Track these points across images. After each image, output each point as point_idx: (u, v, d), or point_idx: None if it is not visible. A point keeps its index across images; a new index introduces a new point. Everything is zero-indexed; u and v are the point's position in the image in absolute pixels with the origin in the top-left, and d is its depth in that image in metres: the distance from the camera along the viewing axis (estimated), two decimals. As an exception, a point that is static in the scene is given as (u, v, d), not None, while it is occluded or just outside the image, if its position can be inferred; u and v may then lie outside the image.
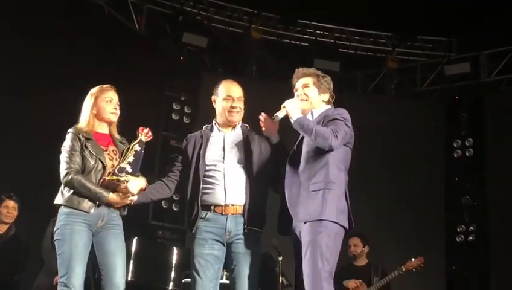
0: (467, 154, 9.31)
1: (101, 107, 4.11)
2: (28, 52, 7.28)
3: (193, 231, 4.02)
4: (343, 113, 3.96)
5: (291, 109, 3.95)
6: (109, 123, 4.16)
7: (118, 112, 4.16)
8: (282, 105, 4.00)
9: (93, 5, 8.54)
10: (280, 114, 3.99)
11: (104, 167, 3.98)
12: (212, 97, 4.27)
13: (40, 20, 7.34)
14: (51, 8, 7.43)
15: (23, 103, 7.14)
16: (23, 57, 7.23)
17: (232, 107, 4.17)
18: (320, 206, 3.73)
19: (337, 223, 3.72)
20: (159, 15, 9.54)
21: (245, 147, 4.13)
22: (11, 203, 6.28)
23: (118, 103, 4.17)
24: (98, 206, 3.93)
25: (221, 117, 4.22)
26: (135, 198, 4.00)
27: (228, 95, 4.20)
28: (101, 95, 4.12)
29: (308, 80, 4.13)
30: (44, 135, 7.08)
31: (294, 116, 3.91)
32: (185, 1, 9.55)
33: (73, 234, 3.84)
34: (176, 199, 8.38)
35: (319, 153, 3.84)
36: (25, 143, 7.16)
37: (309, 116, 4.03)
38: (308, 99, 4.08)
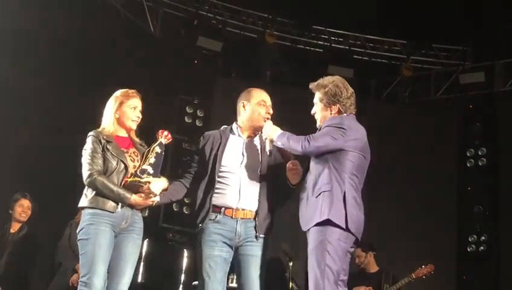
0: (480, 164, 9.27)
1: (124, 113, 4.14)
2: (42, 52, 7.32)
3: (199, 227, 4.03)
4: (334, 119, 3.95)
5: (268, 134, 4.03)
6: (128, 130, 4.18)
7: (139, 120, 4.18)
8: (264, 137, 4.09)
9: (109, 7, 8.58)
10: (268, 147, 4.07)
11: (126, 167, 4.01)
12: (242, 102, 4.24)
13: (55, 21, 7.36)
14: (66, 9, 7.45)
15: (39, 105, 7.17)
16: (38, 59, 7.27)
17: (268, 114, 4.20)
18: (315, 211, 3.76)
19: (337, 226, 3.70)
20: (174, 19, 9.56)
21: (262, 155, 4.16)
22: (26, 203, 6.32)
23: (141, 110, 4.19)
24: (122, 207, 3.95)
25: (252, 122, 4.20)
26: (157, 199, 4.03)
27: (263, 100, 4.23)
28: (126, 101, 4.15)
29: (316, 96, 4.13)
30: (60, 135, 7.12)
31: (274, 139, 3.99)
32: (200, 5, 9.58)
33: (97, 234, 3.86)
34: (187, 201, 8.40)
35: (320, 162, 3.88)
36: (41, 144, 7.18)
37: None
38: (316, 118, 4.12)
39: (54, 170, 7.08)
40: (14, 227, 6.31)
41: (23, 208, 6.29)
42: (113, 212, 3.91)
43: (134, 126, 4.18)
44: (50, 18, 7.26)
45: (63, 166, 6.55)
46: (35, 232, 6.40)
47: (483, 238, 8.90)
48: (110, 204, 3.92)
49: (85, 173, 3.96)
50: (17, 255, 6.20)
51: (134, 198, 3.95)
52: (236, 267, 4.06)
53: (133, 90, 4.23)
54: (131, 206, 3.99)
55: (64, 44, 7.50)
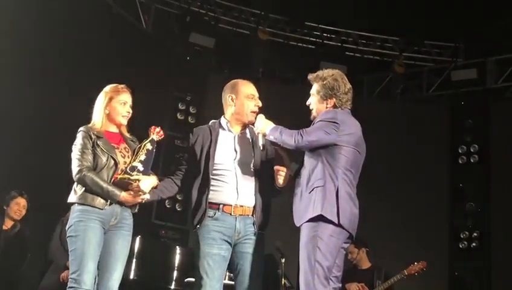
0: (472, 161, 9.30)
1: (114, 108, 4.10)
2: (33, 48, 7.28)
3: (198, 227, 3.99)
4: (328, 113, 3.93)
5: (261, 128, 4.01)
6: (119, 125, 4.16)
7: (130, 115, 4.15)
8: (256, 132, 4.06)
9: (101, 3, 8.53)
10: (261, 141, 4.05)
11: (116, 164, 3.98)
12: (230, 95, 4.18)
13: (46, 16, 7.32)
14: (56, 5, 7.41)
15: (31, 102, 7.14)
16: (29, 55, 7.23)
17: (256, 106, 4.15)
18: (308, 206, 3.76)
19: (329, 221, 3.69)
20: (166, 15, 9.54)
21: (254, 149, 4.13)
22: (23, 201, 6.31)
23: (131, 105, 4.16)
24: (111, 203, 3.93)
25: (241, 116, 4.15)
26: (147, 196, 4.01)
27: (252, 94, 4.18)
28: (115, 96, 4.11)
29: (313, 88, 4.10)
30: (52, 132, 7.09)
31: (267, 133, 3.97)
32: (192, 1, 9.56)
33: (86, 231, 3.84)
34: (179, 198, 8.40)
35: (313, 157, 3.87)
36: (34, 142, 7.15)
37: None
38: (311, 109, 4.10)
39: (48, 167, 7.05)
40: (7, 224, 6.29)
41: (19, 207, 6.28)
42: (102, 209, 3.90)
43: (124, 121, 4.15)
44: (40, 13, 7.21)
45: (57, 163, 6.53)
46: (28, 230, 6.37)
47: (475, 234, 8.93)
48: (99, 201, 3.90)
49: (74, 168, 3.93)
50: (9, 253, 6.18)
51: (124, 195, 3.93)
52: (233, 264, 4.02)
53: (122, 85, 4.19)
54: (121, 203, 3.97)
55: (54, 40, 7.46)
